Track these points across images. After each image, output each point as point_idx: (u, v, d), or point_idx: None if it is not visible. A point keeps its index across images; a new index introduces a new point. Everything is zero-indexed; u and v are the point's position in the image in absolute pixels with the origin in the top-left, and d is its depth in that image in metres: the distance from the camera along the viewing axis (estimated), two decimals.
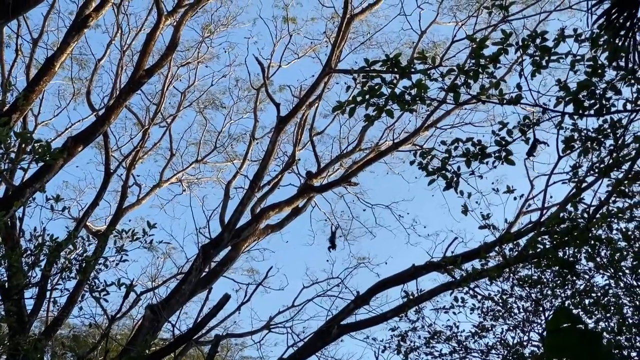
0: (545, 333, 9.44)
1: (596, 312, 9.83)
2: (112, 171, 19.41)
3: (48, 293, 13.87)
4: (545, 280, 10.46)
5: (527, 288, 10.62)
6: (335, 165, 22.39)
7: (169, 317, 15.51)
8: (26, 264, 10.76)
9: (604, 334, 9.47)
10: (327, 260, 20.02)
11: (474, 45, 7.21)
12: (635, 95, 7.32)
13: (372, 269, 21.07)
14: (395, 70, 7.05)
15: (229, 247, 18.06)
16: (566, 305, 10.08)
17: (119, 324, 23.24)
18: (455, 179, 7.90)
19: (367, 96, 7.06)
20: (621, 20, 6.53)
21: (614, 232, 9.56)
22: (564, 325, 3.80)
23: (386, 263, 21.15)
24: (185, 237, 30.22)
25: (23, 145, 8.60)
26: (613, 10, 6.52)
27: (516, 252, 10.47)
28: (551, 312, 10.27)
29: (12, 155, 9.00)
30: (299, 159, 21.79)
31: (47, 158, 8.18)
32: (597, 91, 7.16)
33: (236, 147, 26.26)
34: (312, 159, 21.67)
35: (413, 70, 7.05)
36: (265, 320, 19.69)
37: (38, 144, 8.11)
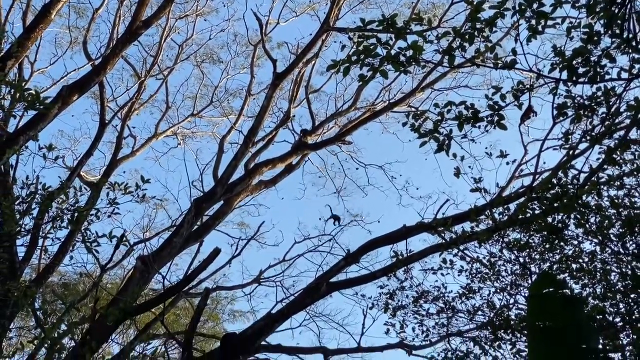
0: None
1: (583, 278, 9.89)
2: (107, 122, 19.37)
3: (40, 241, 13.91)
4: (533, 244, 10.51)
5: (515, 252, 10.67)
6: (330, 124, 22.35)
7: (159, 269, 15.56)
8: (18, 211, 10.78)
9: (590, 299, 9.55)
10: (320, 219, 20.05)
11: (471, 8, 7.15)
12: (629, 63, 7.29)
13: (364, 226, 21.10)
14: (391, 30, 7.00)
15: (222, 202, 18.09)
16: (553, 269, 10.14)
17: (109, 274, 23.33)
18: (446, 141, 7.89)
19: (361, 56, 7.03)
20: None
21: (605, 199, 9.59)
22: (547, 290, 3.83)
23: (379, 222, 21.15)
24: (179, 190, 30.28)
25: (17, 95, 8.56)
26: None
27: (506, 217, 10.49)
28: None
29: (6, 102, 8.97)
30: (294, 116, 21.75)
31: (38, 106, 8.14)
32: (592, 58, 7.13)
33: (232, 102, 26.19)
34: (307, 116, 21.63)
35: (409, 31, 7.01)
36: (256, 274, 19.85)
37: (27, 92, 8.06)
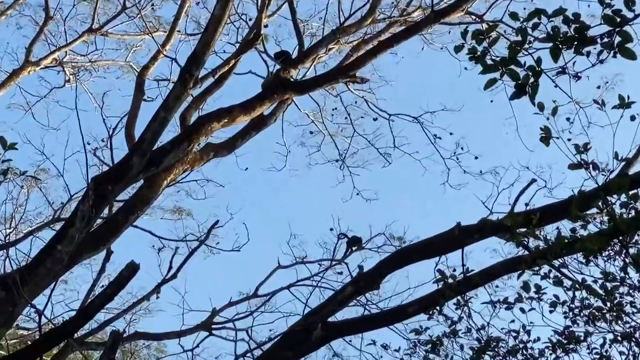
0: None
1: None
2: None
3: None
4: None
5: None
6: (329, 46, 22.27)
7: (32, 298, 15.52)
8: None
9: None
10: (331, 229, 20.01)
11: None
12: None
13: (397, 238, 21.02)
14: None
15: (141, 181, 18.04)
16: None
17: None
18: (532, 79, 7.83)
19: None
20: None
21: None
22: None
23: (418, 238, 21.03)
24: (65, 158, 29.80)
25: None
26: None
27: (633, 211, 10.43)
28: None
29: None
30: (266, 26, 21.65)
31: None
32: None
33: (159, 9, 26.15)
34: (290, 34, 21.62)
35: None
36: (206, 311, 19.74)
37: None
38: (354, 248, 19.39)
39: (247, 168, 23.47)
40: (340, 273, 19.05)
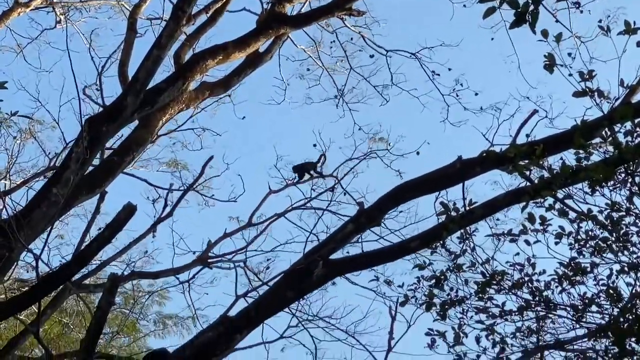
0: None
1: None
2: None
3: None
4: None
5: None
6: None
7: (29, 242, 15.48)
8: None
9: None
10: (315, 145, 19.94)
11: None
12: None
13: (391, 163, 20.94)
14: None
15: (136, 121, 17.98)
16: None
17: None
18: (531, 6, 7.80)
19: None
20: None
21: None
22: None
23: (418, 153, 20.86)
24: (60, 105, 29.55)
25: None
26: None
27: (638, 139, 10.39)
28: None
29: None
30: None
31: None
32: None
33: None
34: None
35: None
36: (200, 249, 19.66)
37: None
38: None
39: (244, 117, 23.38)
40: (333, 189, 19.09)
